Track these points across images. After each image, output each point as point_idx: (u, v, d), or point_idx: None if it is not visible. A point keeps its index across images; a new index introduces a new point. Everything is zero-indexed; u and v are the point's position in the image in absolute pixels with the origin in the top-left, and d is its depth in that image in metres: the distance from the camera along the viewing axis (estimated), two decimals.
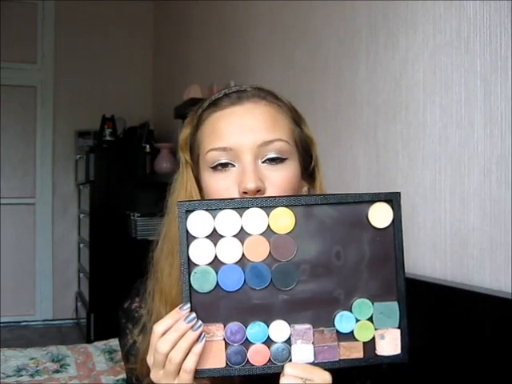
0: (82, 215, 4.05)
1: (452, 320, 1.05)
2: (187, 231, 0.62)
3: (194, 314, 0.61)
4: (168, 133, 3.78)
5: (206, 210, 0.62)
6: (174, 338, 0.60)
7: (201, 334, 0.60)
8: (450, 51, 1.17)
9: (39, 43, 4.31)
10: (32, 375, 1.80)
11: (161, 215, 0.80)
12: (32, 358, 1.90)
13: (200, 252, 0.62)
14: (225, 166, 0.73)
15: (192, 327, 0.60)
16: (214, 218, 0.62)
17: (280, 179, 0.72)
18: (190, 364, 0.60)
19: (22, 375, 1.79)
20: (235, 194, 0.71)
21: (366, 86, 1.48)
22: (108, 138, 3.60)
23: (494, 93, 1.06)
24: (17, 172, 4.27)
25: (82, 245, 4.05)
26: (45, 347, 2.02)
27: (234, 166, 0.72)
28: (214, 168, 0.73)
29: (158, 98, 4.39)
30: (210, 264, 0.62)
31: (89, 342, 3.06)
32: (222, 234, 0.62)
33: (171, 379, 0.61)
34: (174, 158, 3.32)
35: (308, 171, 0.79)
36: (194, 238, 0.62)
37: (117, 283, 3.36)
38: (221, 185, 0.72)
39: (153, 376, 0.63)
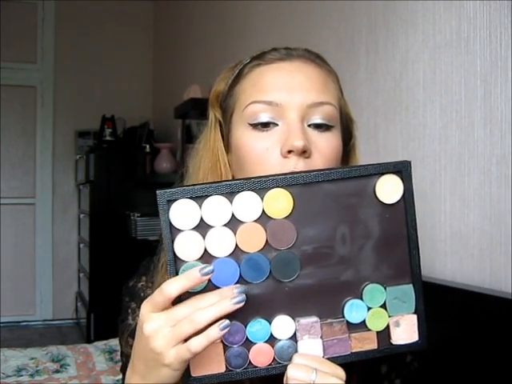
0: (82, 215, 4.05)
1: (452, 320, 1.05)
2: (171, 224, 0.54)
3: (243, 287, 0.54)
4: (168, 133, 3.78)
5: (191, 197, 0.54)
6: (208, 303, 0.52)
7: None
8: (449, 51, 1.17)
9: (39, 43, 4.31)
10: (32, 375, 1.80)
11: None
12: (32, 358, 1.90)
13: (187, 246, 0.54)
14: (266, 125, 0.65)
15: (234, 297, 0.52)
16: (200, 206, 0.54)
17: (327, 147, 0.65)
18: (196, 343, 0.51)
19: (22, 375, 1.79)
20: (276, 155, 0.63)
21: (365, 86, 1.48)
22: (108, 137, 3.60)
23: (493, 93, 1.06)
24: (17, 172, 4.27)
25: (81, 245, 4.05)
26: (45, 347, 2.02)
27: (277, 125, 0.65)
28: (254, 126, 0.65)
29: (157, 98, 4.39)
30: (199, 259, 0.54)
31: (89, 342, 3.05)
32: (211, 223, 0.54)
33: (169, 345, 0.52)
34: (173, 157, 3.32)
35: (346, 149, 0.71)
36: (179, 230, 0.54)
37: (117, 283, 3.36)
38: (260, 144, 0.64)
39: (154, 343, 0.53)
